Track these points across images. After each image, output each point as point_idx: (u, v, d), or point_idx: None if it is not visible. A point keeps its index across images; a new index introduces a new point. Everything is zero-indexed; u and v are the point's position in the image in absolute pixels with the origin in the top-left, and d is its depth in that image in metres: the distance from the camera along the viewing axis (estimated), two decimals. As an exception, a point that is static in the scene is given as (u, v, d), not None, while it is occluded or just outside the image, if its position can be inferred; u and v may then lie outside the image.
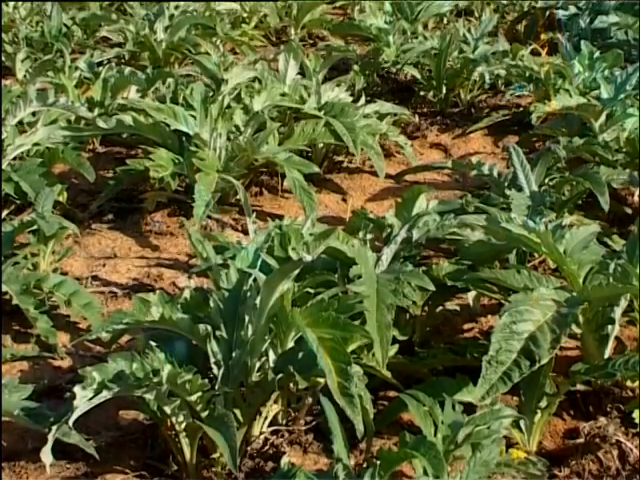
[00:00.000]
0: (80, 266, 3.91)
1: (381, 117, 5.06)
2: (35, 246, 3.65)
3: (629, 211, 4.20)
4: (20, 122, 4.40)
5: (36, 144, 4.28)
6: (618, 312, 2.85)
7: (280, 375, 2.51)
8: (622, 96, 4.60)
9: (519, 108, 5.69)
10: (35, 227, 3.58)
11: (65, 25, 6.75)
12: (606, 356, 2.85)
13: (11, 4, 7.11)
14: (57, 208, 4.14)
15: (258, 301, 2.58)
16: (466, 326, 3.37)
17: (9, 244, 3.49)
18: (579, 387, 2.87)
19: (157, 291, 2.80)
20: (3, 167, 4.04)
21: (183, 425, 2.49)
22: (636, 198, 4.28)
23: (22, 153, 4.31)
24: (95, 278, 3.80)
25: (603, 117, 4.51)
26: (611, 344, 2.90)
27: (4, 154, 4.11)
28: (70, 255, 3.87)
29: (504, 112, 5.52)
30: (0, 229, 3.48)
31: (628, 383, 2.90)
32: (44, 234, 3.57)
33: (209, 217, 4.22)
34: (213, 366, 2.57)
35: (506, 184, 3.91)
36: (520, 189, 3.77)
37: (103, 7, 7.44)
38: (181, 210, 4.38)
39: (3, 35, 6.64)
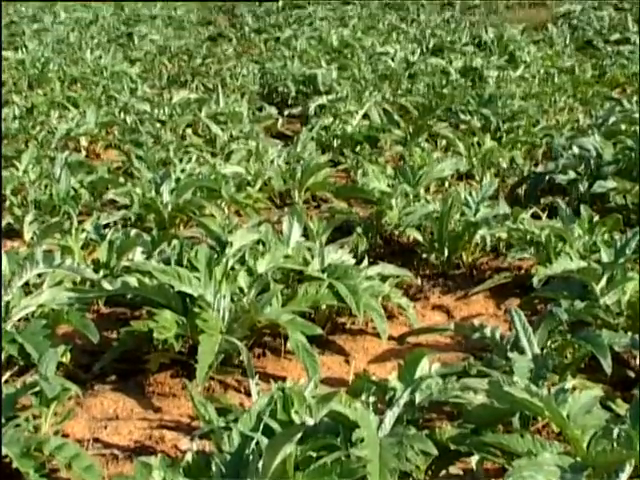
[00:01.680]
0: (82, 428, 3.88)
1: (384, 279, 5.10)
2: (37, 408, 3.64)
3: (632, 374, 4.20)
4: (26, 283, 4.45)
5: (41, 305, 4.32)
6: (623, 478, 2.81)
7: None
8: (622, 260, 4.66)
9: (521, 271, 5.74)
10: (38, 389, 3.58)
11: (73, 188, 6.89)
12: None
13: (21, 168, 7.28)
14: (60, 369, 4.14)
15: (260, 465, 2.56)
16: (470, 491, 3.33)
17: (11, 406, 3.48)
18: None
19: (158, 454, 2.78)
20: (8, 328, 4.07)
21: None
22: (638, 361, 4.28)
23: (27, 314, 4.35)
24: (96, 440, 3.77)
25: (604, 280, 4.55)
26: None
27: (9, 316, 4.15)
28: (72, 417, 3.85)
29: (506, 275, 5.56)
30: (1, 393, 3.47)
31: None
32: (46, 396, 3.57)
33: (212, 378, 4.22)
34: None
35: (508, 347, 3.92)
36: (522, 352, 3.78)
37: (111, 171, 7.61)
38: (184, 371, 4.38)
39: (13, 199, 6.79)
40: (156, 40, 16.62)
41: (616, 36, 15.42)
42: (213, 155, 8.22)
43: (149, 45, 15.97)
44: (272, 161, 7.88)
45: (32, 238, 5.98)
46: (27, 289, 4.54)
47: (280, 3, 23.78)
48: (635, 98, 9.72)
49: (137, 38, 16.87)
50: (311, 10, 21.52)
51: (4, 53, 14.08)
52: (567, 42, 15.03)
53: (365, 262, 5.20)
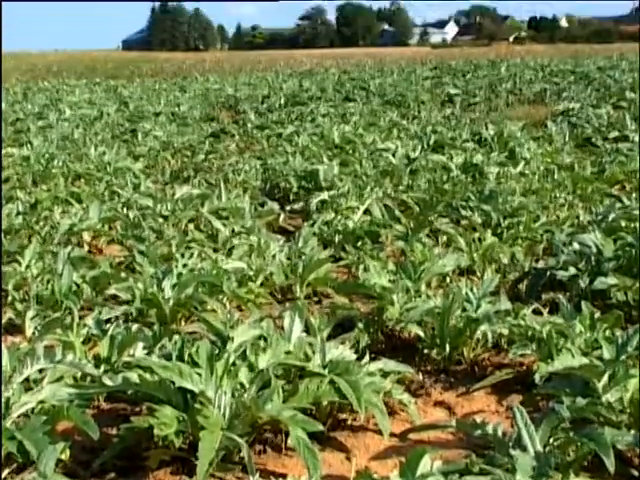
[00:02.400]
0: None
1: (385, 375, 5.08)
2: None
3: (635, 473, 4.15)
4: (26, 379, 4.44)
5: (41, 402, 4.31)
6: None
7: None
8: (624, 357, 4.65)
9: (522, 367, 5.72)
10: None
11: (75, 283, 6.92)
12: None
13: (23, 263, 7.32)
14: (59, 466, 4.10)
15: None
16: None
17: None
18: None
19: None
20: (7, 425, 4.04)
21: None
22: (642, 460, 4.24)
23: (27, 410, 4.32)
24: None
25: (606, 378, 4.54)
26: None
27: (9, 412, 4.13)
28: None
29: (507, 371, 5.54)
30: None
31: None
32: (44, 494, 3.54)
33: (212, 475, 4.18)
34: None
35: (511, 444, 3.89)
36: (525, 449, 3.76)
37: (113, 266, 7.64)
38: (185, 468, 4.34)
39: (14, 294, 6.81)
40: (159, 136, 16.85)
41: (615, 134, 15.60)
42: (215, 250, 8.26)
43: (153, 141, 16.18)
44: (274, 256, 7.92)
45: (33, 333, 5.98)
46: (27, 385, 4.53)
47: (282, 100, 24.16)
48: (634, 195, 9.82)
49: (141, 134, 17.10)
50: (313, 107, 21.85)
51: (9, 150, 14.27)
52: (566, 139, 15.21)
53: (366, 358, 5.19)
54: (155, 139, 16.49)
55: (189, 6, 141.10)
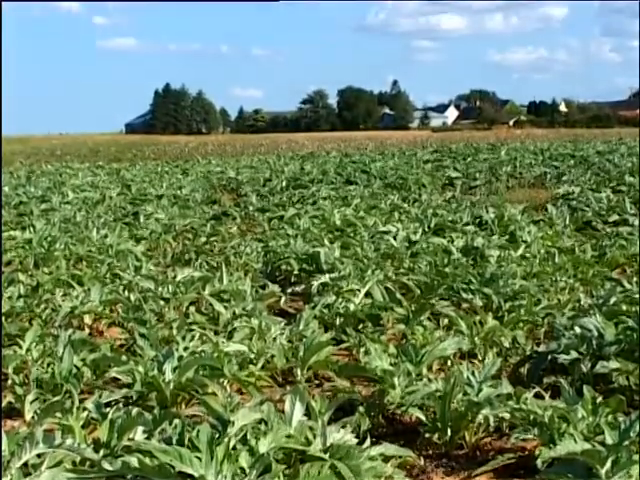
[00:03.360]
0: None
1: (386, 459, 5.05)
2: None
3: None
4: (25, 464, 4.40)
5: (40, 486, 4.27)
6: None
7: None
8: (627, 443, 4.62)
9: (524, 452, 5.68)
10: None
11: (75, 366, 6.90)
12: None
13: (24, 346, 7.31)
14: None
15: None
16: None
17: None
18: None
19: None
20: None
21: None
22: None
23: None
24: None
25: (609, 463, 4.50)
26: None
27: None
28: None
29: (509, 455, 5.49)
30: None
31: None
32: None
33: None
34: None
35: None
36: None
37: (114, 349, 7.63)
38: None
39: (14, 377, 6.79)
40: (161, 219, 16.93)
41: (615, 217, 15.70)
42: (216, 333, 8.25)
43: (154, 224, 16.25)
44: (275, 339, 7.91)
45: (33, 417, 5.95)
46: (26, 470, 4.49)
47: (284, 183, 24.34)
48: (635, 279, 9.84)
49: (143, 217, 17.20)
50: (314, 190, 21.99)
51: (12, 233, 14.34)
52: (567, 222, 15.29)
53: (367, 442, 5.15)
54: (157, 222, 16.56)
55: (192, 89, 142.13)
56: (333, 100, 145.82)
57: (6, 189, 24.26)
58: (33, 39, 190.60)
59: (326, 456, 4.72)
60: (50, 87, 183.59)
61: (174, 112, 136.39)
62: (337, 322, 8.82)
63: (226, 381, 6.86)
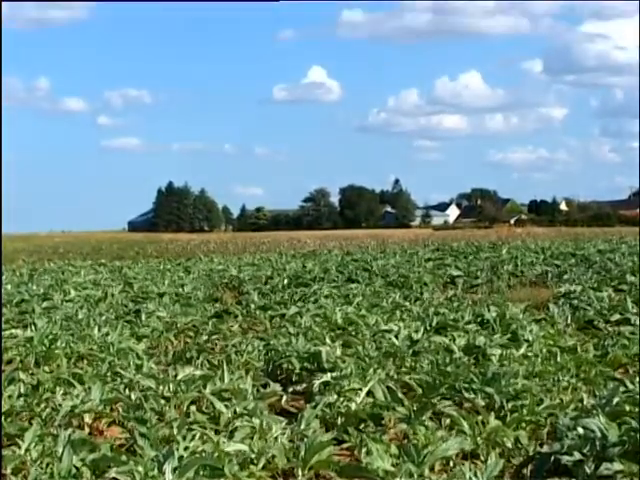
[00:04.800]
0: None
1: None
2: None
3: None
4: None
5: None
6: None
7: None
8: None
9: None
10: None
11: (75, 467, 6.85)
12: None
13: (23, 446, 7.26)
14: None
15: None
16: None
17: None
18: None
19: None
20: None
21: None
22: None
23: None
24: None
25: None
26: None
27: None
28: None
29: None
30: None
31: None
32: None
33: None
34: None
35: None
36: None
37: (114, 449, 7.57)
38: None
39: (13, 478, 6.73)
40: (163, 317, 16.92)
41: (616, 317, 15.68)
42: (217, 432, 8.20)
43: (156, 322, 16.24)
44: (276, 439, 7.86)
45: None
46: None
47: (285, 281, 24.40)
48: (638, 379, 9.80)
49: (144, 315, 17.18)
50: (316, 288, 22.02)
51: (13, 331, 14.34)
52: (568, 321, 15.29)
53: None
54: (159, 320, 16.55)
55: (195, 188, 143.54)
56: (335, 198, 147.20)
57: (8, 287, 24.31)
58: (37, 137, 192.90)
59: None
60: (53, 185, 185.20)
61: (177, 210, 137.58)
62: (338, 421, 8.77)
63: (226, 481, 6.80)
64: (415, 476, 6.46)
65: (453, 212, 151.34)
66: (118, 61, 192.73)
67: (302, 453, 7.42)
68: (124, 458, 7.13)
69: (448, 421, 8.61)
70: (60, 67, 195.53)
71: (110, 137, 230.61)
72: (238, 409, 8.86)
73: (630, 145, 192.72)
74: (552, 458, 7.00)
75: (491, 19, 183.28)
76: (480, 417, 8.35)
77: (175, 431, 8.03)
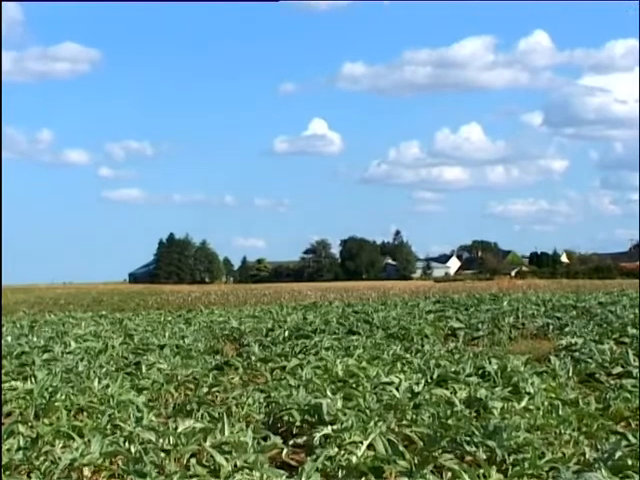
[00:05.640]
0: None
1: None
2: None
3: None
4: None
5: None
6: None
7: None
8: None
9: None
10: None
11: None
12: None
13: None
14: None
15: None
16: None
17: None
18: None
19: None
20: None
21: None
22: None
23: None
24: None
25: None
26: None
27: None
28: None
29: None
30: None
31: None
32: None
33: None
34: None
35: None
36: None
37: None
38: None
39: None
40: (164, 369, 16.87)
41: (618, 369, 15.64)
42: (217, 486, 8.16)
43: (156, 374, 16.19)
44: (276, 492, 7.82)
45: None
46: None
47: (286, 333, 24.37)
48: (640, 432, 9.75)
49: (145, 367, 17.14)
50: (317, 340, 21.98)
51: (13, 383, 14.30)
52: (570, 374, 15.23)
53: None
54: (159, 372, 16.51)
55: (196, 239, 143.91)
56: (336, 250, 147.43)
57: (8, 339, 24.27)
58: (38, 188, 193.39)
59: None
60: (55, 236, 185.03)
61: (178, 261, 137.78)
62: (339, 475, 8.74)
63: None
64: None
65: (454, 264, 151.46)
66: (120, 113, 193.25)
67: (303, 507, 7.38)
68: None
69: (449, 474, 8.56)
70: (62, 119, 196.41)
71: (111, 188, 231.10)
72: (239, 462, 8.82)
73: (630, 197, 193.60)
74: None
75: (491, 72, 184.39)
76: (482, 470, 8.31)
77: (175, 484, 7.99)
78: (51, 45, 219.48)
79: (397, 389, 12.99)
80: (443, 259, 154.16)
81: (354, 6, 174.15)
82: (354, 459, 8.90)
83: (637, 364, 16.00)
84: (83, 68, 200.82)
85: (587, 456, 8.97)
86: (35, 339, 24.60)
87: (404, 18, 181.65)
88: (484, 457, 8.91)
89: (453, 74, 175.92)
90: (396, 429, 10.33)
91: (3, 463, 8.78)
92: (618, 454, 8.15)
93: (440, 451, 9.19)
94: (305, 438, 10.61)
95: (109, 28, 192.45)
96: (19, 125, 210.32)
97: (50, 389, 13.39)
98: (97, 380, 14.55)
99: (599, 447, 9.18)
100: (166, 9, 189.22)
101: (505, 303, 37.63)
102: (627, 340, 20.71)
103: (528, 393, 12.67)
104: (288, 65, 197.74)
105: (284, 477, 8.34)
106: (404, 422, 10.89)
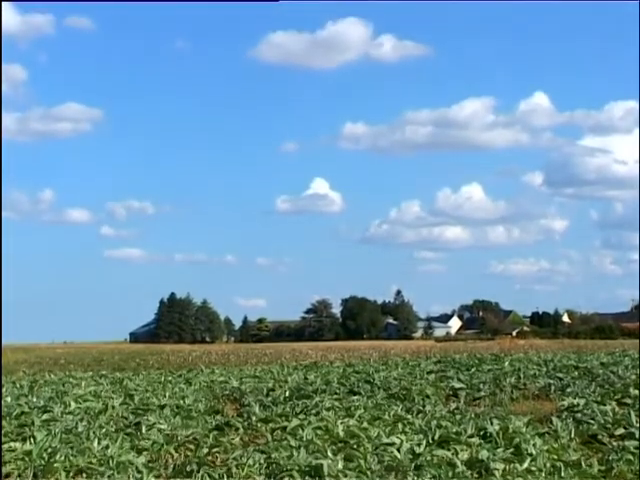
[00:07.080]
0: None
1: None
2: None
3: None
4: None
5: None
6: None
7: None
8: None
9: None
10: None
11: None
12: None
13: None
14: None
15: None
16: None
17: None
18: None
19: None
20: None
21: None
22: None
23: None
24: None
25: None
26: None
27: None
28: None
29: None
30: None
31: None
32: None
33: None
34: None
35: None
36: None
37: None
38: None
39: None
40: (164, 429, 16.78)
41: (621, 431, 15.55)
42: None
43: (156, 434, 16.10)
44: None
45: None
46: None
47: (287, 393, 24.27)
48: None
49: (145, 427, 17.05)
50: (318, 400, 21.88)
51: (12, 444, 14.22)
52: (572, 435, 15.15)
53: None
54: (159, 432, 16.41)
55: (197, 298, 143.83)
56: (337, 309, 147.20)
57: (8, 399, 24.16)
58: (39, 247, 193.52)
59: None
60: (56, 295, 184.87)
61: (178, 321, 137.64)
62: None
63: None
64: None
65: (455, 323, 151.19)
66: (121, 173, 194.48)
67: None
68: None
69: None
70: (64, 179, 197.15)
71: (113, 247, 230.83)
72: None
73: (631, 257, 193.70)
74: None
75: (492, 132, 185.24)
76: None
77: None
78: (54, 105, 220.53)
79: (398, 450, 12.92)
80: (444, 319, 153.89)
81: (355, 66, 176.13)
82: (355, 521, 8.84)
83: (639, 425, 15.92)
84: (85, 127, 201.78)
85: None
86: (35, 399, 24.50)
87: (405, 78, 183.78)
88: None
89: (454, 134, 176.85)
90: (397, 491, 10.25)
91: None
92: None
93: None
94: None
95: (112, 88, 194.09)
96: (21, 185, 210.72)
97: (49, 450, 13.32)
98: (97, 441, 14.48)
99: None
100: (167, 69, 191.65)
101: (506, 363, 37.50)
102: (629, 401, 20.61)
103: (530, 454, 12.59)
104: (289, 125, 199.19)
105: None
106: (405, 484, 10.82)
